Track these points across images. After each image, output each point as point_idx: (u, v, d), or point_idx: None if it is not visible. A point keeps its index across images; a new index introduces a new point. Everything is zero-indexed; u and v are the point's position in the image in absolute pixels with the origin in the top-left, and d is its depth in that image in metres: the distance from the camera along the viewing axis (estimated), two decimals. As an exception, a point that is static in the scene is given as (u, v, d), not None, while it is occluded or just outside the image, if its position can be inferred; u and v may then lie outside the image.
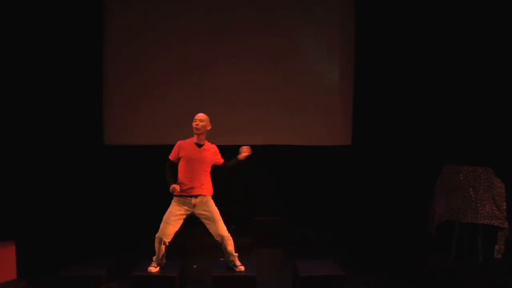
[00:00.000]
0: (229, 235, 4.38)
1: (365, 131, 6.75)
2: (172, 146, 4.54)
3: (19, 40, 5.91)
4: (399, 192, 6.53)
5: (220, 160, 4.52)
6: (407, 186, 6.45)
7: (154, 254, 4.43)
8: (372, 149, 6.72)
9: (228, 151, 4.62)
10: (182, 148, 4.37)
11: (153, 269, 4.36)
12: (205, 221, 4.37)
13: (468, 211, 5.30)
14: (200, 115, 4.38)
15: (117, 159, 6.59)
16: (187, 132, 4.52)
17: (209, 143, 4.49)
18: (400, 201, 6.50)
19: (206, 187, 4.37)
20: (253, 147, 6.27)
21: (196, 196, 4.30)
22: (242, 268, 4.39)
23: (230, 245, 4.38)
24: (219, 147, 4.60)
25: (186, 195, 4.30)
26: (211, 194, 4.43)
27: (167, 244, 4.31)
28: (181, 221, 4.33)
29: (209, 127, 4.42)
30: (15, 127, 5.88)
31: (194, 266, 5.29)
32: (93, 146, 6.50)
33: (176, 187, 4.24)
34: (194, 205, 4.31)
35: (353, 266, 5.23)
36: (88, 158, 6.46)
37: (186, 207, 4.31)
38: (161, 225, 4.31)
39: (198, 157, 4.33)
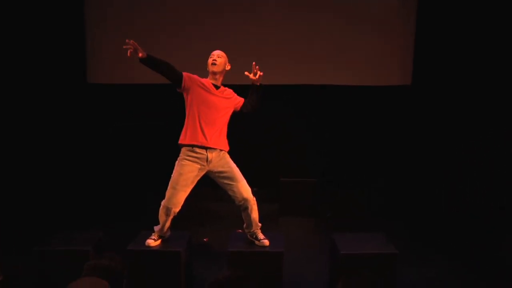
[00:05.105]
0: (254, 198, 4.16)
1: (427, 69, 6.53)
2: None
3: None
4: (470, 146, 6.25)
5: (240, 101, 4.29)
6: (482, 139, 6.17)
7: (155, 223, 4.20)
8: (436, 90, 6.47)
9: (267, 90, 4.47)
10: (200, 82, 4.17)
11: (153, 242, 4.10)
12: (225, 181, 4.12)
13: None
14: (218, 51, 4.26)
15: (101, 99, 6.71)
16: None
17: (224, 87, 4.29)
18: (472, 159, 6.22)
19: (223, 140, 4.18)
20: (293, 87, 6.78)
21: (212, 149, 4.04)
22: (266, 242, 4.15)
23: (255, 211, 4.16)
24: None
25: (199, 146, 4.02)
26: (228, 149, 4.21)
27: (176, 214, 4.11)
28: (193, 185, 4.11)
29: (228, 67, 4.26)
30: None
31: (205, 240, 5.32)
32: (75, 84, 6.61)
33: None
34: (210, 161, 4.05)
35: (410, 242, 5.19)
36: (69, 97, 6.61)
37: (199, 166, 4.04)
38: (168, 192, 4.07)
39: (216, 100, 4.14)
